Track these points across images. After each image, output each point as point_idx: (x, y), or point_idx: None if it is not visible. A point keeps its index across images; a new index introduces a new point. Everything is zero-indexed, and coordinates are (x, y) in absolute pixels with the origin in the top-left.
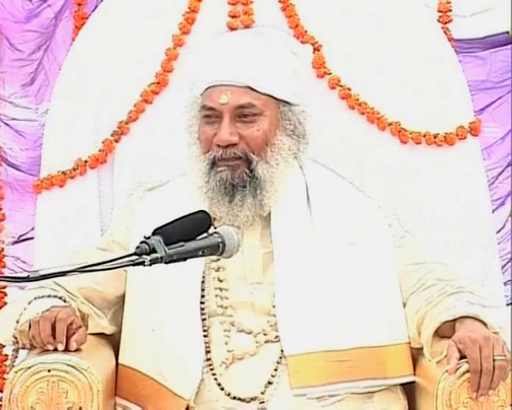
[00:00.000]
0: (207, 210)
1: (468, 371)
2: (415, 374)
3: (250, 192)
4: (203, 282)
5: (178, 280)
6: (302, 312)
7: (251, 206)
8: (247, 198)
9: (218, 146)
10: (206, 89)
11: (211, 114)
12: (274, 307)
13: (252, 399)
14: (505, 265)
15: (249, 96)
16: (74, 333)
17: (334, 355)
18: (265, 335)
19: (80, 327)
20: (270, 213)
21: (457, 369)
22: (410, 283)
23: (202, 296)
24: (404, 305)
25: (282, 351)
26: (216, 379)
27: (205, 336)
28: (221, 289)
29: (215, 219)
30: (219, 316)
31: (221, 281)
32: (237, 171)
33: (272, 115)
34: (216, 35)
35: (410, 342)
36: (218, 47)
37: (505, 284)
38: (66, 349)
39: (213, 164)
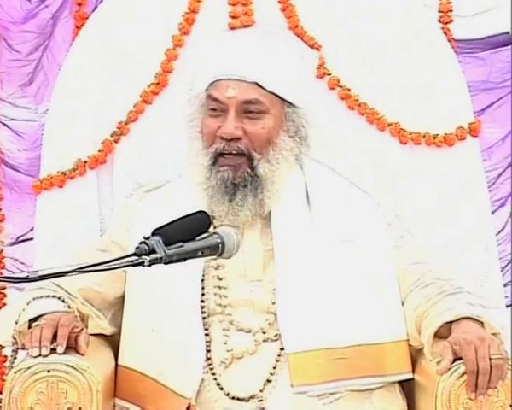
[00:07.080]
0: (206, 208)
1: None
2: (414, 375)
3: (251, 192)
4: (203, 280)
5: (178, 279)
6: (302, 309)
7: (251, 205)
8: (248, 198)
9: (222, 139)
10: (213, 82)
11: (216, 107)
12: (273, 303)
13: (251, 397)
14: (505, 266)
15: (256, 93)
16: (77, 335)
17: (334, 353)
18: (264, 333)
19: (82, 330)
20: (270, 212)
21: (455, 370)
22: (409, 282)
23: (202, 295)
24: (403, 303)
25: (280, 349)
26: (215, 379)
27: (205, 334)
28: (220, 288)
29: (214, 217)
30: (218, 315)
31: (220, 279)
32: (239, 170)
33: (277, 115)
34: (223, 31)
35: (408, 340)
36: (227, 41)
37: (505, 285)
38: (78, 353)
39: (215, 160)
